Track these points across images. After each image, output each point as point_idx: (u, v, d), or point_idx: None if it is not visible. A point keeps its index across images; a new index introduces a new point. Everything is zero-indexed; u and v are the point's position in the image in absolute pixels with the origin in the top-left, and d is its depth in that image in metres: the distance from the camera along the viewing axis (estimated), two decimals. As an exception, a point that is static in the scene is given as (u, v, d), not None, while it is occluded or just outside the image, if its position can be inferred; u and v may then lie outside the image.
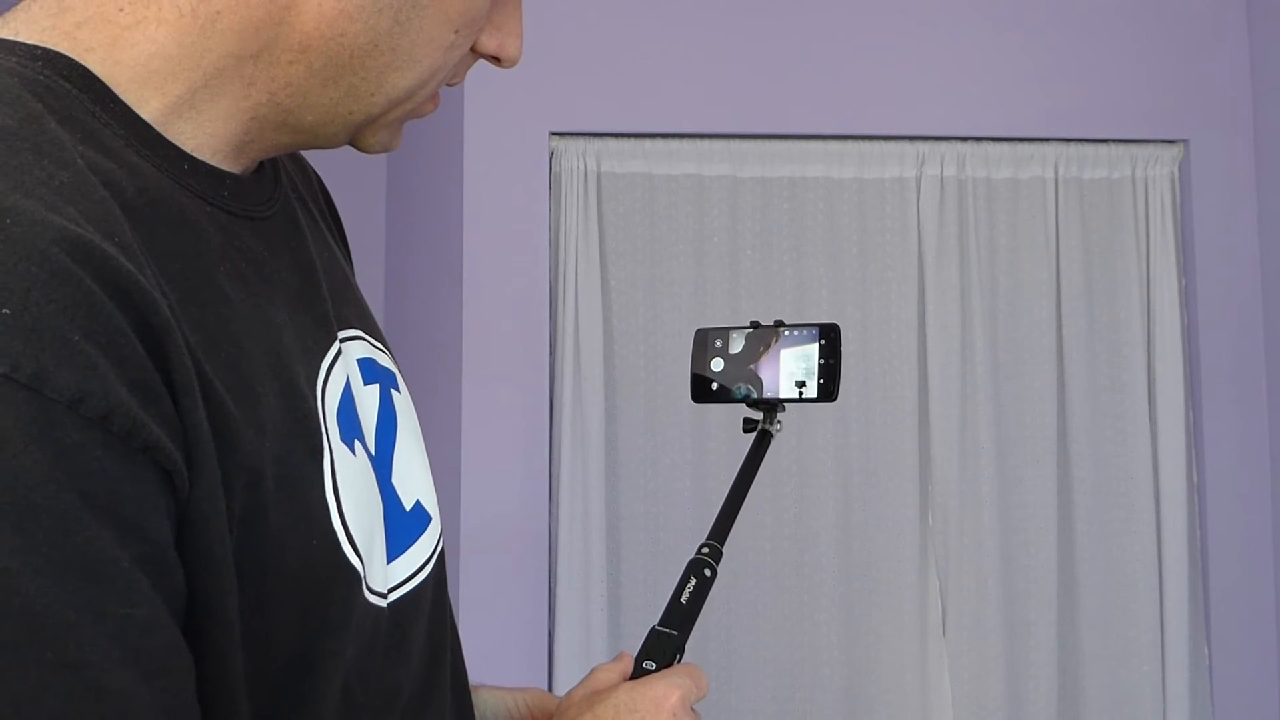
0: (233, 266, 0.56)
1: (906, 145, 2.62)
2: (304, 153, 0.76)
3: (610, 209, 2.60)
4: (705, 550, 0.87)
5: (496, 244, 2.54)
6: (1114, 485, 2.59)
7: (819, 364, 0.94)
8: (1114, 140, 2.64)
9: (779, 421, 0.96)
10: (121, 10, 0.54)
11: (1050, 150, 2.63)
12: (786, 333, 0.96)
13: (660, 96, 2.58)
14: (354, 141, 0.63)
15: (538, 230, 2.55)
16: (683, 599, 0.84)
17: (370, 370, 0.67)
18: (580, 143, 2.58)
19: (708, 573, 0.86)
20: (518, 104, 2.53)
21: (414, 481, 0.68)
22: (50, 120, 0.50)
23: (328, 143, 0.62)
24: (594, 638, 2.47)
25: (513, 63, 0.64)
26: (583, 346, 2.53)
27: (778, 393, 0.95)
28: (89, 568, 0.43)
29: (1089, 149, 2.64)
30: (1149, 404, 2.60)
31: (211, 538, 0.49)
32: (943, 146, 2.62)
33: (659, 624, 0.82)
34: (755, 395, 0.97)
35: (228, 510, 0.50)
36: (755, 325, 0.98)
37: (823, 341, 0.95)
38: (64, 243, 0.44)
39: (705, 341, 1.00)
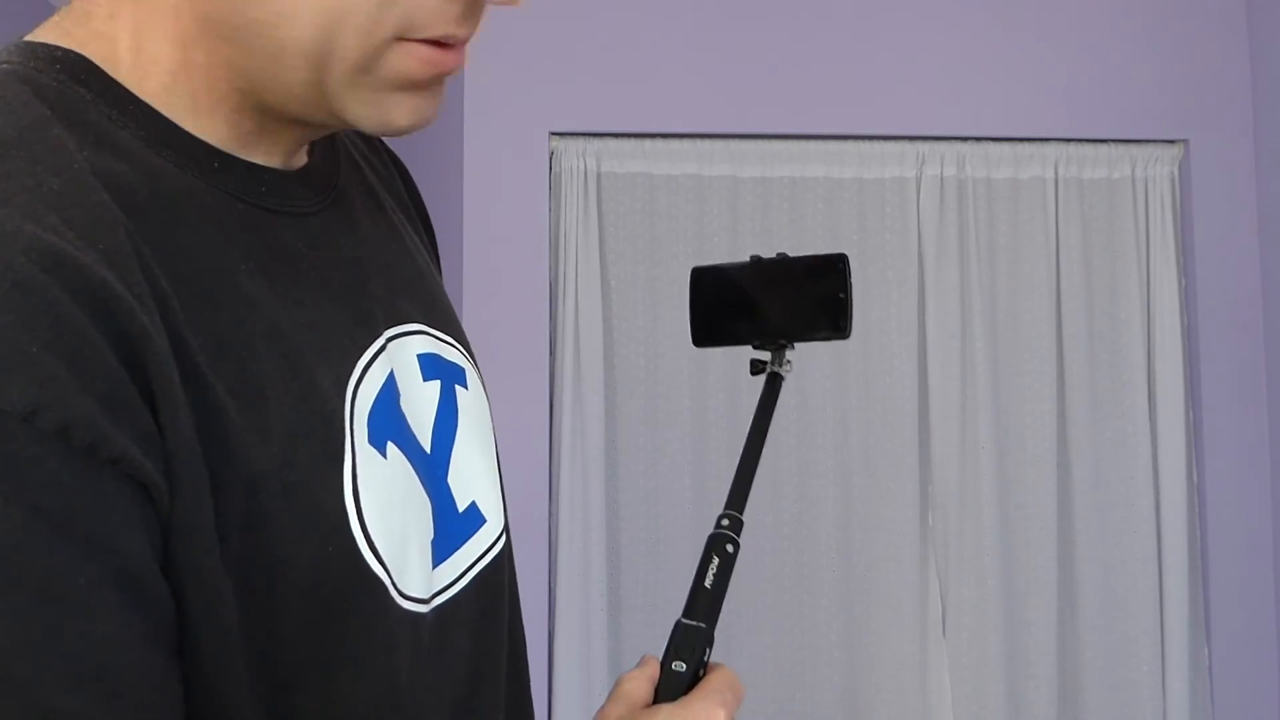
0: (258, 265, 0.54)
1: (906, 145, 2.62)
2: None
3: (610, 209, 2.60)
4: (725, 522, 0.79)
5: (496, 244, 2.54)
6: (1114, 485, 2.59)
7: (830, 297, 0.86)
8: (1114, 140, 2.64)
9: (789, 361, 0.88)
10: (99, 4, 0.54)
11: (1050, 150, 2.63)
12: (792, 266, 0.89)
13: (660, 96, 2.58)
14: (347, 124, 0.57)
15: (538, 230, 2.55)
16: (706, 583, 0.76)
17: (432, 365, 0.64)
18: (580, 143, 2.57)
19: (730, 549, 0.78)
20: (518, 104, 2.53)
21: (473, 481, 0.65)
22: (56, 126, 0.49)
23: (321, 123, 0.57)
24: (594, 638, 2.47)
25: None
26: (583, 346, 2.53)
27: (788, 327, 0.88)
28: (41, 584, 0.42)
29: (1089, 149, 2.64)
30: (1149, 404, 2.60)
31: (198, 549, 0.47)
32: (943, 146, 2.62)
33: (684, 615, 0.75)
34: (765, 335, 0.88)
35: (226, 518, 0.48)
36: (756, 260, 0.89)
37: (832, 273, 0.86)
38: (33, 252, 0.43)
39: (702, 281, 0.91)
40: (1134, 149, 2.64)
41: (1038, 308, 2.60)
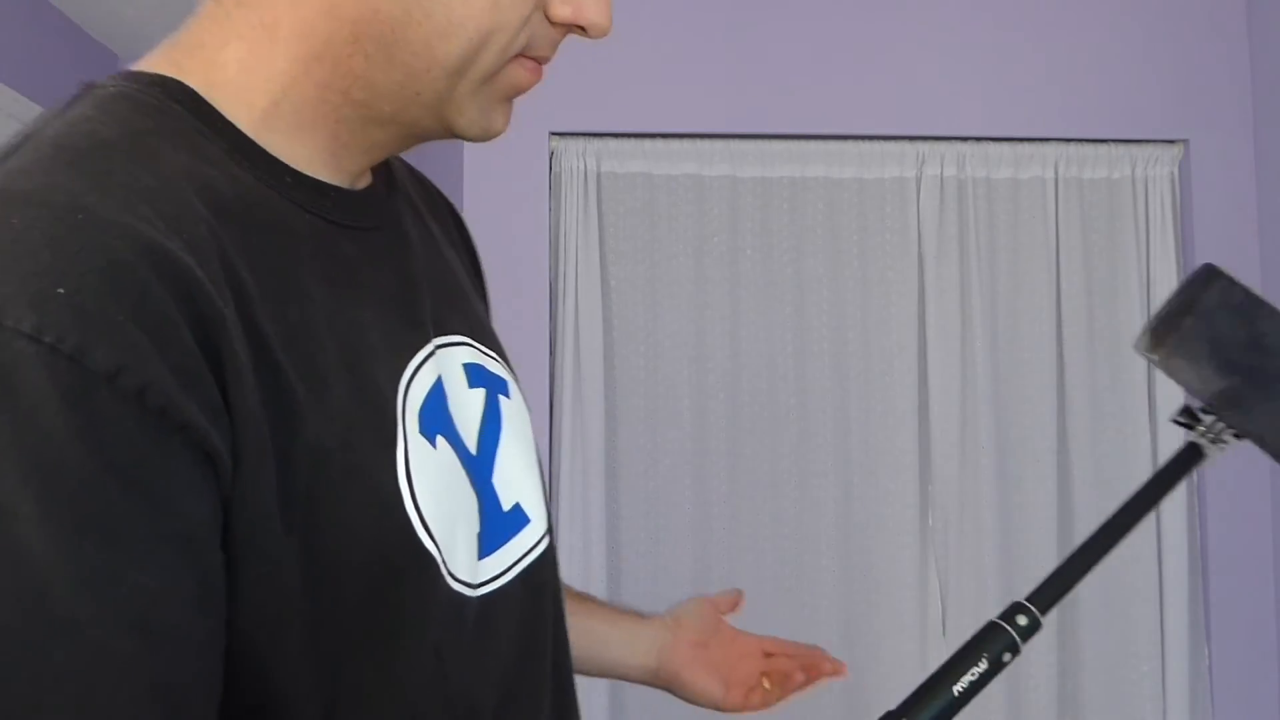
0: (322, 268, 0.60)
1: (906, 145, 2.62)
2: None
3: (610, 209, 2.60)
4: (1021, 621, 0.63)
5: (496, 244, 2.53)
6: (1114, 485, 2.59)
7: None
8: (1114, 140, 2.64)
9: (1226, 443, 0.67)
10: (212, 35, 0.60)
11: (1050, 150, 2.63)
12: None
13: (660, 96, 2.58)
14: (449, 129, 0.64)
15: (538, 230, 2.55)
16: (956, 688, 0.60)
17: (477, 375, 0.70)
18: (580, 143, 2.57)
19: (1007, 658, 0.63)
20: (518, 104, 2.52)
21: (517, 484, 0.69)
22: (154, 136, 0.56)
23: (423, 132, 0.64)
24: (594, 638, 2.47)
25: (601, 31, 0.63)
26: (583, 346, 2.53)
27: (1263, 423, 0.64)
28: (108, 533, 0.45)
29: (1089, 149, 2.64)
30: (1149, 404, 2.60)
31: (258, 515, 0.51)
32: (943, 146, 2.62)
33: (903, 714, 0.61)
34: (1227, 403, 0.65)
35: (290, 487, 0.53)
36: None
37: None
38: (127, 238, 0.48)
39: (1211, 286, 0.67)
40: (1134, 149, 2.64)
41: (1038, 308, 2.60)
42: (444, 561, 0.60)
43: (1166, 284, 2.61)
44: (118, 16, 3.03)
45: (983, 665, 0.61)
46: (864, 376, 2.58)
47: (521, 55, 0.63)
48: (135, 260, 0.48)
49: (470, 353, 0.70)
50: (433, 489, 0.60)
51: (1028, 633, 0.62)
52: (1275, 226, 2.58)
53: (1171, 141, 2.65)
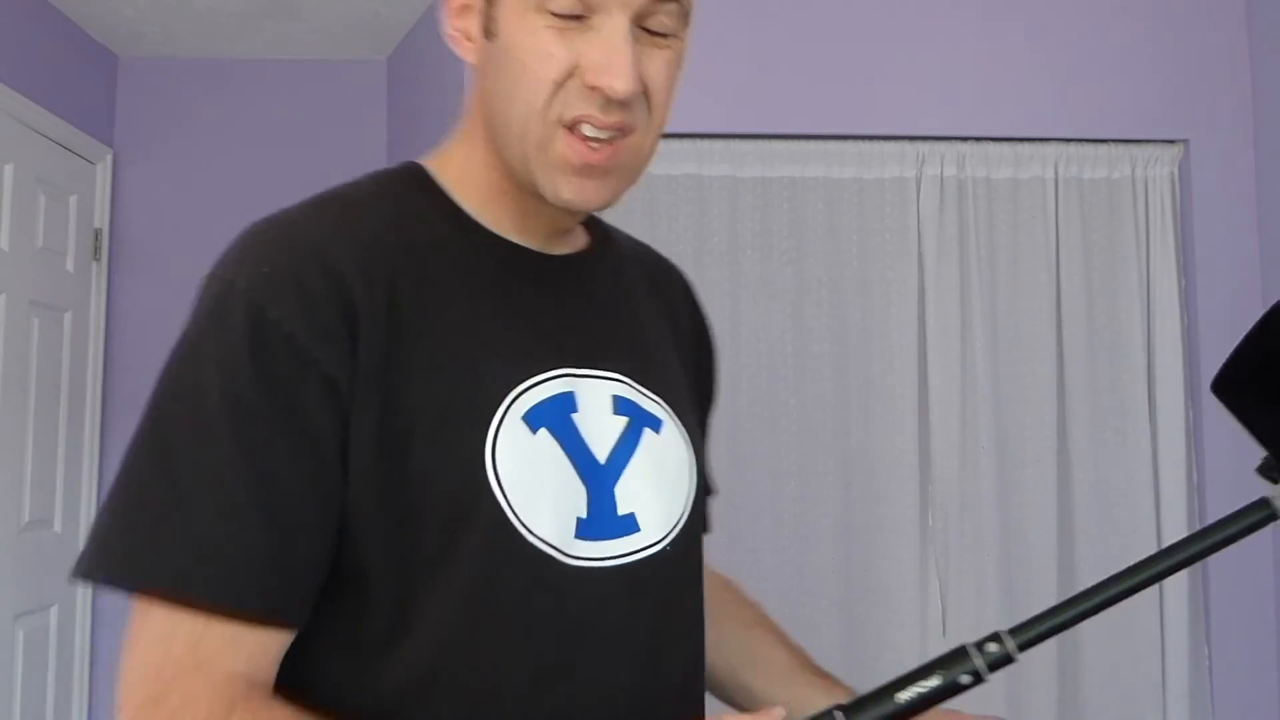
0: (486, 297, 0.82)
1: (906, 145, 2.62)
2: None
3: (610, 209, 2.59)
4: (991, 649, 0.62)
5: (496, 244, 2.54)
6: (1114, 485, 2.59)
7: None
8: (1114, 140, 2.64)
9: None
10: (451, 139, 0.89)
11: (1050, 150, 2.63)
12: None
13: (660, 96, 2.58)
14: (541, 194, 0.82)
15: (538, 230, 2.55)
16: (901, 695, 0.59)
17: (625, 406, 0.86)
18: (580, 143, 2.57)
19: (965, 680, 0.62)
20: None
21: (639, 498, 0.84)
22: (378, 198, 0.84)
23: (545, 199, 0.82)
24: (594, 638, 2.47)
25: (614, 93, 0.76)
26: (583, 346, 2.53)
27: None
28: (257, 410, 0.72)
29: (1089, 149, 2.64)
30: (1149, 404, 2.60)
31: (362, 439, 0.74)
32: (943, 146, 2.62)
33: (846, 712, 0.59)
34: None
35: (391, 427, 0.75)
36: None
37: None
38: (311, 246, 0.77)
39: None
40: (1134, 149, 2.64)
41: (1038, 308, 2.60)
42: (515, 513, 0.76)
43: (1166, 284, 2.61)
44: (118, 16, 3.03)
45: (935, 681, 0.60)
46: (864, 376, 2.58)
47: (567, 129, 0.78)
48: (310, 259, 0.76)
49: (622, 388, 0.86)
50: (515, 458, 0.77)
51: (996, 663, 0.61)
52: (1275, 226, 2.58)
53: (1171, 141, 2.66)
